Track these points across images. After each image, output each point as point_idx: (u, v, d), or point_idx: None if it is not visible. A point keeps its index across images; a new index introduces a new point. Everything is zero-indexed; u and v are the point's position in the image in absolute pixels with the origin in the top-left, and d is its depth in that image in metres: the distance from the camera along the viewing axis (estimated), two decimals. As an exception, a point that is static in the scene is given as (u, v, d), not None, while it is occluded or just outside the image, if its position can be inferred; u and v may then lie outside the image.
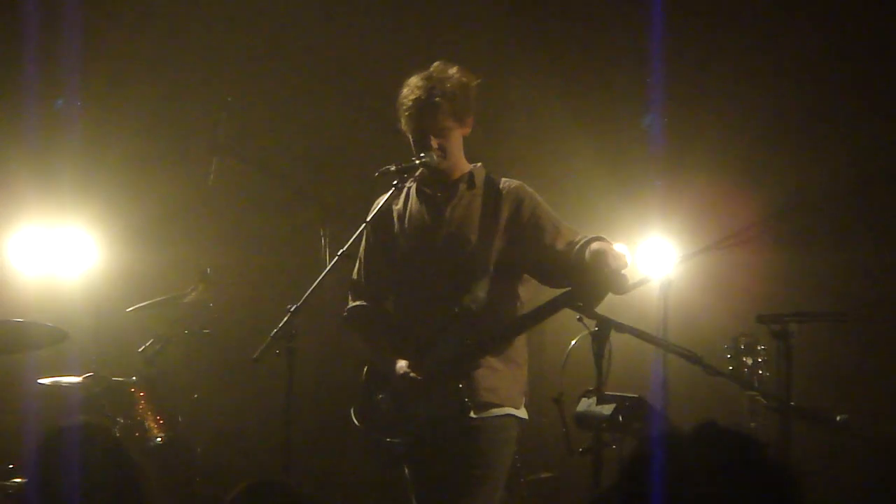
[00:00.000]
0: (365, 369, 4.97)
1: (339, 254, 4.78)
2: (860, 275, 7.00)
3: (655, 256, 7.52)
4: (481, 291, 4.75)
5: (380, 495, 6.97)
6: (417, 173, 4.94)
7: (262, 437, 7.27)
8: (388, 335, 4.94)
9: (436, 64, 4.90)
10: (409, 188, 5.01)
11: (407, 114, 4.86)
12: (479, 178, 4.94)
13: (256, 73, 7.89)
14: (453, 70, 4.87)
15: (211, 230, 8.01)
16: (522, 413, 4.86)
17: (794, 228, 7.24)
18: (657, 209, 7.53)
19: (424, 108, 4.81)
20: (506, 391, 4.80)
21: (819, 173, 7.20)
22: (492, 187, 4.92)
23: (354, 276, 5.09)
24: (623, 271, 4.56)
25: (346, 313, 5.10)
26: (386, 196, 4.92)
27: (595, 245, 4.65)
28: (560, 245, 4.77)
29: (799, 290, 6.96)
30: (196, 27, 7.74)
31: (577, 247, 4.69)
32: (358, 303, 5.07)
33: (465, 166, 4.96)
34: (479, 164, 5.00)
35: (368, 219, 4.90)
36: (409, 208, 4.98)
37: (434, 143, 4.83)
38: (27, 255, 7.80)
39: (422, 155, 4.83)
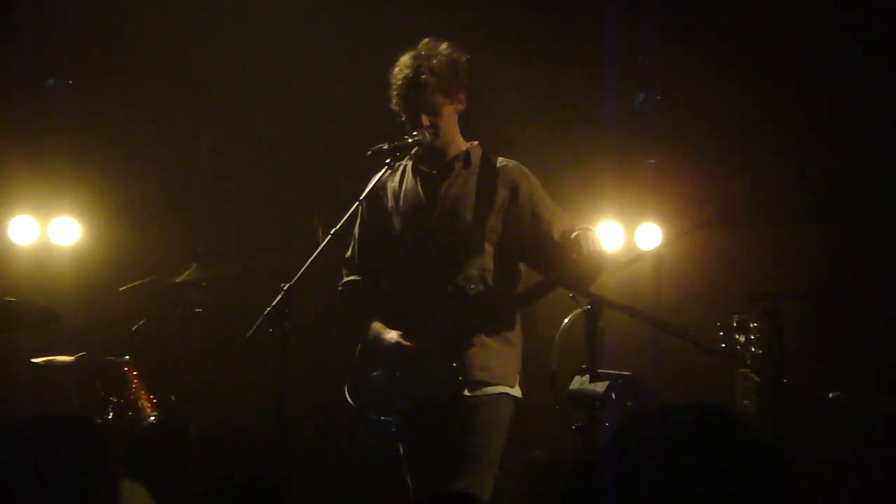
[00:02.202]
0: (359, 347, 4.97)
1: (331, 232, 4.77)
2: (852, 254, 7.01)
3: (648, 235, 7.54)
4: (475, 270, 4.75)
5: (374, 474, 6.98)
6: (413, 152, 4.93)
7: (256, 415, 7.28)
8: (380, 311, 4.93)
9: (425, 41, 4.89)
10: (406, 166, 5.00)
11: (397, 93, 4.86)
12: (476, 157, 4.93)
13: (248, 54, 7.87)
14: (442, 47, 4.86)
15: (203, 209, 8.01)
16: (517, 392, 4.86)
17: (787, 208, 7.25)
18: (651, 188, 7.53)
19: (413, 87, 4.80)
20: (500, 369, 4.80)
21: (813, 153, 7.21)
22: (488, 166, 4.91)
23: (348, 253, 5.09)
24: (601, 252, 4.59)
25: (340, 288, 5.11)
26: (380, 174, 4.91)
27: (576, 232, 4.66)
28: (556, 234, 4.77)
29: (792, 268, 6.97)
30: (189, 9, 7.71)
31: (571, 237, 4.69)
32: (351, 278, 5.07)
33: (462, 144, 4.95)
34: (476, 142, 4.99)
35: (361, 197, 4.89)
36: (404, 186, 4.97)
37: (426, 120, 4.83)
38: (18, 234, 7.80)
39: (414, 133, 4.83)
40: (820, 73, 7.20)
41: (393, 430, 4.80)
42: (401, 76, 4.84)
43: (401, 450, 4.92)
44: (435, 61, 4.81)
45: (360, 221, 5.04)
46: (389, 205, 4.98)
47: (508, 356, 4.85)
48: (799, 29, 7.19)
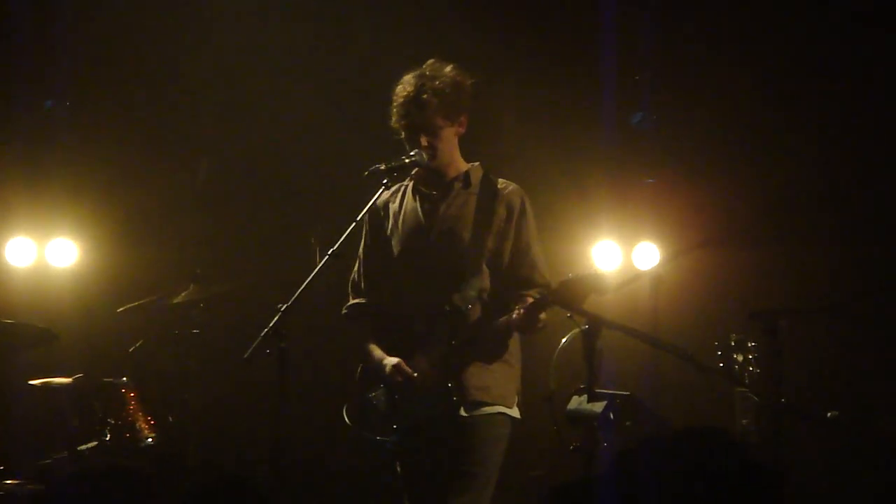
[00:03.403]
0: (359, 368, 4.96)
1: (328, 253, 4.76)
2: (850, 271, 7.01)
3: (646, 254, 7.54)
4: (473, 290, 4.75)
5: (370, 494, 6.97)
6: (413, 172, 4.93)
7: (253, 436, 7.27)
8: (381, 333, 4.93)
9: (430, 62, 4.89)
10: (406, 186, 5.01)
11: (397, 110, 4.86)
12: (476, 178, 4.93)
13: (245, 73, 7.88)
14: (447, 68, 4.86)
15: (201, 231, 8.00)
16: (515, 412, 4.85)
17: (785, 226, 7.25)
18: (648, 207, 7.54)
19: (414, 106, 4.80)
20: (498, 389, 4.79)
21: (810, 170, 7.21)
22: (489, 187, 4.91)
23: (354, 275, 5.09)
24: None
25: (345, 311, 5.11)
26: (379, 194, 4.91)
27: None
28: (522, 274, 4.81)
29: (790, 287, 6.97)
30: (184, 28, 7.73)
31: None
32: (356, 301, 5.07)
33: (462, 165, 4.95)
34: (477, 163, 4.99)
35: (358, 218, 4.88)
36: (404, 207, 4.97)
37: (424, 141, 4.83)
38: (16, 256, 7.79)
39: (412, 153, 4.83)
40: (814, 92, 7.21)
41: (390, 449, 4.80)
42: (402, 94, 4.84)
43: (398, 469, 4.91)
44: (438, 82, 4.81)
45: (364, 244, 5.04)
46: (390, 225, 4.98)
47: (506, 376, 4.84)
48: (796, 50, 7.21)
